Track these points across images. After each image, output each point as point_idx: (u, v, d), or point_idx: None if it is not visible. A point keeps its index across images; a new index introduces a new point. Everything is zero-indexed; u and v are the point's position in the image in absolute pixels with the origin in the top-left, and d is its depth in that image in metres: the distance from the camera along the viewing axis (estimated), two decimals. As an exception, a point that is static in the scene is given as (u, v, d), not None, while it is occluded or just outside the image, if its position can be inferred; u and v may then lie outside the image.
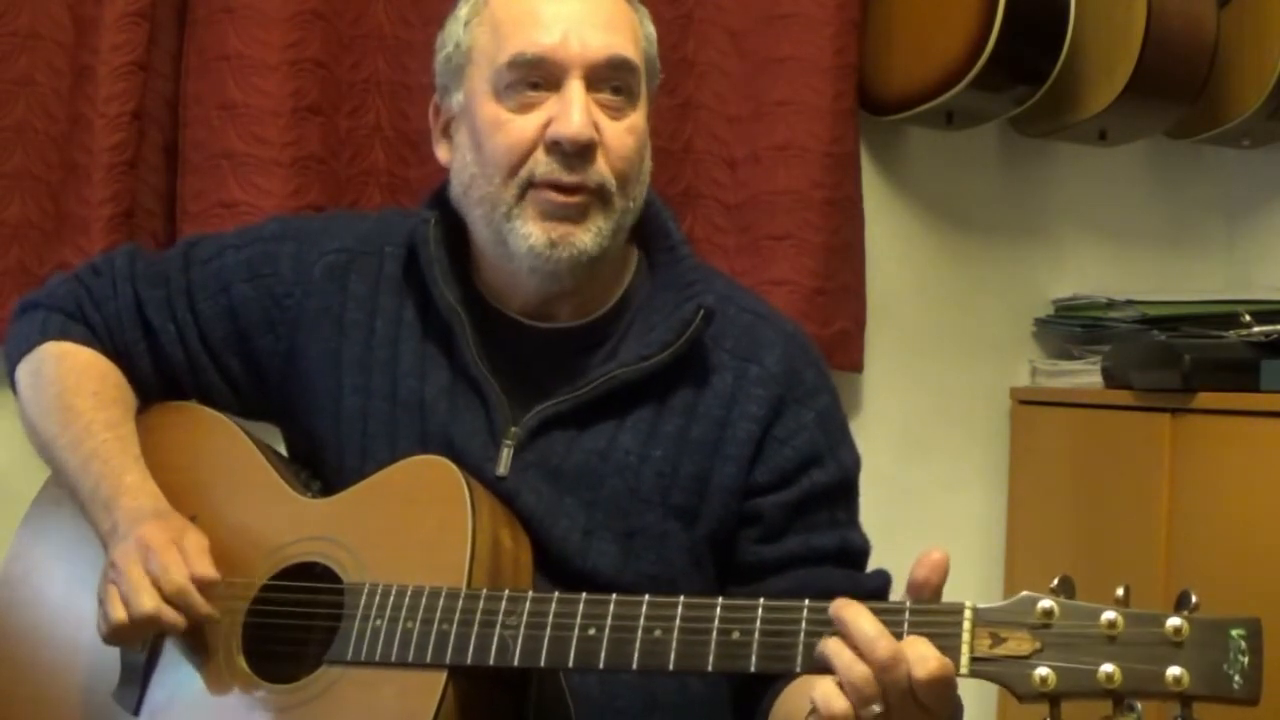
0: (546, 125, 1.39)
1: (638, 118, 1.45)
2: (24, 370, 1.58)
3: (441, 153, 1.51)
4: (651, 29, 1.50)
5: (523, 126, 1.40)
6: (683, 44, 2.44)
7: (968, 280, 2.75)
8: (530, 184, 1.40)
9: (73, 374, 1.54)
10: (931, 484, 2.70)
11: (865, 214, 2.55)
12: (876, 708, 1.14)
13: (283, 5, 2.16)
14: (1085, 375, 2.63)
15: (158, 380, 1.59)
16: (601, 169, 1.40)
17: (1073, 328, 2.72)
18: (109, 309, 1.58)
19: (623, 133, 1.42)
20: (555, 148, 1.39)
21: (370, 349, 1.50)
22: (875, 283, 2.59)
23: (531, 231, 1.40)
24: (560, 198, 1.40)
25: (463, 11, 1.48)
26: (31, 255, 2.12)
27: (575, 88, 1.39)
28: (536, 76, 1.40)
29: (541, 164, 1.40)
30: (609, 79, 1.41)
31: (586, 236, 1.41)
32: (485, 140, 1.42)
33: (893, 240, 2.68)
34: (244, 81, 2.15)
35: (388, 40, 2.28)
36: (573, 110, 1.38)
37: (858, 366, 2.56)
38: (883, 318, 2.62)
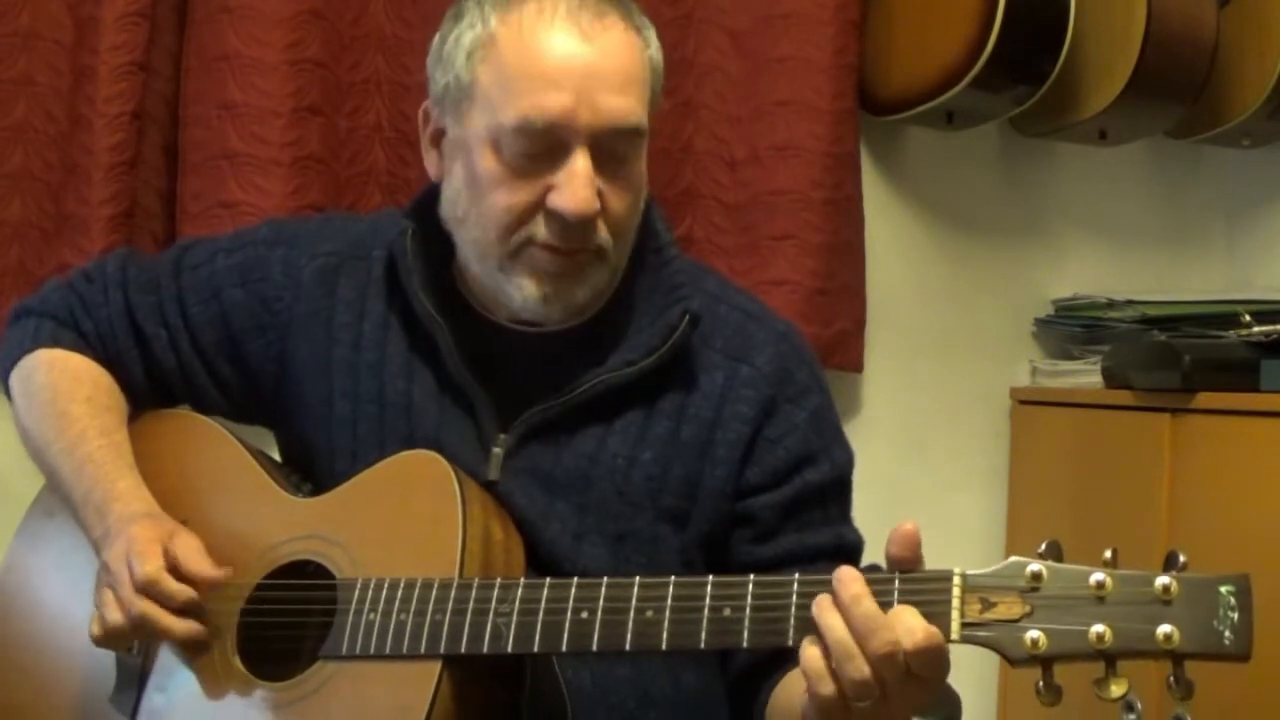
0: (547, 190, 1.36)
1: (639, 165, 1.41)
2: (17, 377, 1.58)
3: (431, 165, 1.47)
4: (657, 49, 1.44)
5: (523, 189, 1.36)
6: (683, 44, 2.44)
7: (968, 280, 2.75)
8: (527, 242, 1.38)
9: (65, 381, 1.54)
10: (931, 484, 2.70)
11: (865, 214, 2.55)
12: (866, 673, 1.14)
13: (282, 5, 2.16)
14: (1085, 375, 2.63)
15: (150, 386, 1.58)
16: (600, 232, 1.38)
17: (1073, 328, 2.72)
18: (100, 315, 1.57)
19: (622, 192, 1.39)
20: (555, 216, 1.35)
21: (358, 352, 1.50)
22: (875, 283, 2.59)
23: (526, 285, 1.39)
24: (558, 258, 1.38)
25: (465, 39, 1.39)
26: (31, 255, 2.13)
27: (580, 160, 1.34)
28: (543, 143, 1.35)
29: (540, 229, 1.37)
30: (615, 145, 1.37)
31: (582, 291, 1.40)
32: (483, 193, 1.38)
33: (893, 240, 2.68)
34: (244, 81, 2.15)
35: (388, 40, 2.29)
36: (577, 186, 1.34)
37: (858, 366, 2.56)
38: (883, 318, 2.62)
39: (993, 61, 2.35)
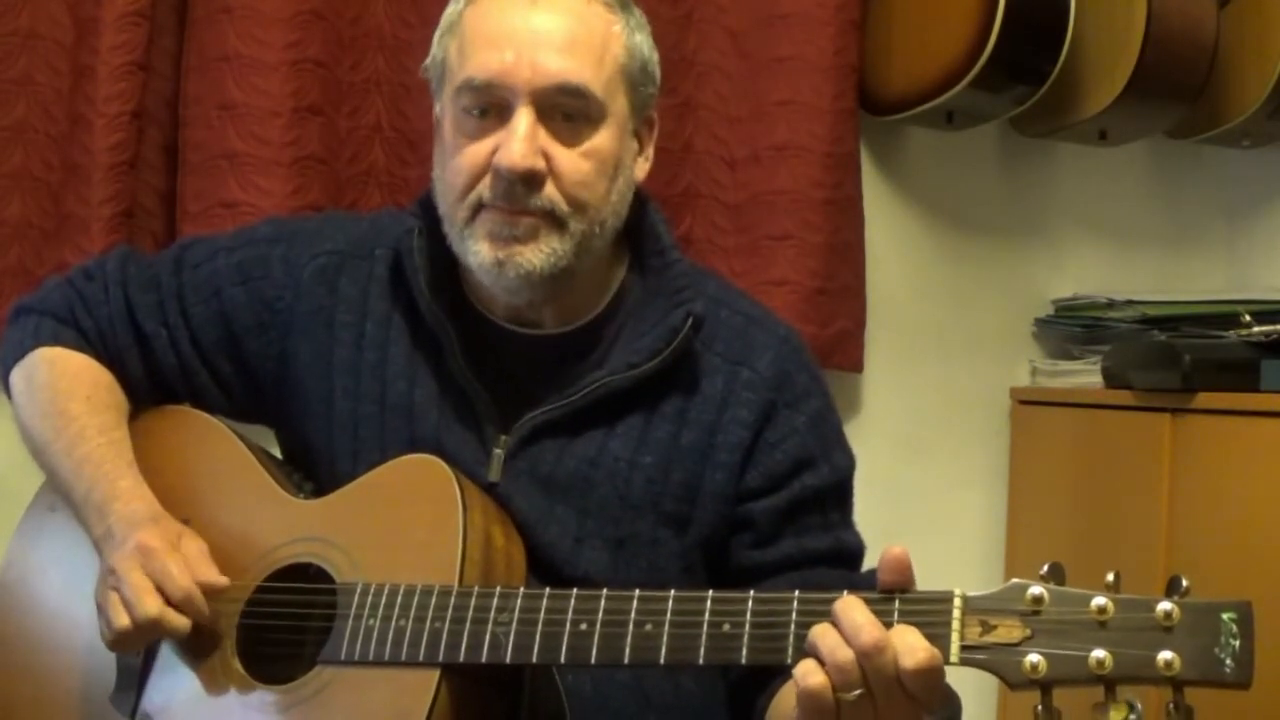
0: (494, 150, 1.38)
1: (601, 139, 1.41)
2: (18, 375, 1.58)
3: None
4: (639, 39, 1.46)
5: (475, 152, 1.40)
6: (683, 44, 2.44)
7: (968, 280, 2.75)
8: (480, 205, 1.40)
9: (65, 379, 1.55)
10: (931, 484, 2.70)
11: (865, 214, 2.55)
12: (858, 691, 1.14)
13: (283, 5, 2.16)
14: (1085, 375, 2.62)
15: (150, 384, 1.59)
16: (551, 195, 1.39)
17: (1073, 328, 2.72)
18: (101, 314, 1.58)
19: (576, 159, 1.40)
20: (497, 174, 1.38)
21: (360, 352, 1.50)
22: (875, 283, 2.58)
23: (481, 249, 1.41)
24: (504, 217, 1.39)
25: (443, 22, 1.46)
26: (31, 255, 2.13)
27: (521, 115, 1.37)
28: (486, 101, 1.39)
29: (488, 189, 1.39)
30: (560, 105, 1.39)
31: (536, 257, 1.40)
32: (447, 160, 1.43)
33: (893, 240, 2.67)
34: (244, 81, 2.15)
35: (388, 40, 2.29)
36: (513, 141, 1.37)
37: (858, 366, 2.55)
38: (883, 318, 2.62)
39: (993, 61, 2.35)
